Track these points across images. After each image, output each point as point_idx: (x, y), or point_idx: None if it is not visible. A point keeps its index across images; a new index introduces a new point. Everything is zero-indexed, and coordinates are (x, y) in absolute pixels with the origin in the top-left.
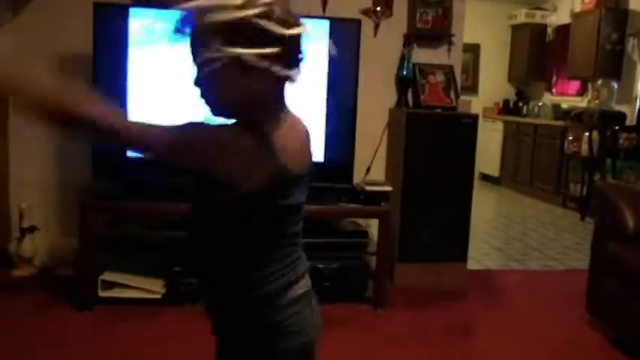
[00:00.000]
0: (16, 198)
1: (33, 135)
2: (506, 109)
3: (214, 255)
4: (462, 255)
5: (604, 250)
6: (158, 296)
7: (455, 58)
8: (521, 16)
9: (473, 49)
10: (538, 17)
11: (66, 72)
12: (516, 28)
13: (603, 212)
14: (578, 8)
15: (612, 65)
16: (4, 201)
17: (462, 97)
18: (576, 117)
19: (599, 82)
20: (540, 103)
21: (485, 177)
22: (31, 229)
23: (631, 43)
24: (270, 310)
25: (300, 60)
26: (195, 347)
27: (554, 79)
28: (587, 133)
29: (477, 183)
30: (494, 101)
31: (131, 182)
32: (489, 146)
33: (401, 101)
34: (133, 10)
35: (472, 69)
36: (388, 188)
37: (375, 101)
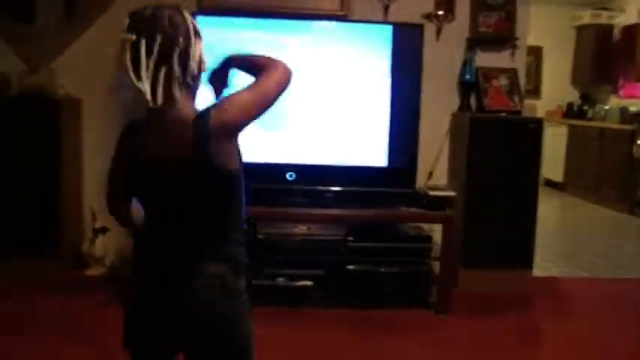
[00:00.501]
0: (88, 199)
1: (105, 134)
2: (570, 112)
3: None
4: (527, 261)
5: None
6: None
7: (519, 62)
8: (587, 17)
9: (535, 52)
10: (604, 18)
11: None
12: (581, 29)
13: None
14: None
15: None
16: (79, 203)
17: (526, 101)
18: None
19: None
20: (607, 107)
21: (548, 182)
22: (104, 230)
23: None
24: None
25: None
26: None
27: (621, 81)
28: None
29: (540, 188)
30: (558, 104)
31: None
32: (553, 151)
33: (464, 105)
34: (199, 19)
35: (534, 72)
36: (452, 193)
37: (438, 105)
